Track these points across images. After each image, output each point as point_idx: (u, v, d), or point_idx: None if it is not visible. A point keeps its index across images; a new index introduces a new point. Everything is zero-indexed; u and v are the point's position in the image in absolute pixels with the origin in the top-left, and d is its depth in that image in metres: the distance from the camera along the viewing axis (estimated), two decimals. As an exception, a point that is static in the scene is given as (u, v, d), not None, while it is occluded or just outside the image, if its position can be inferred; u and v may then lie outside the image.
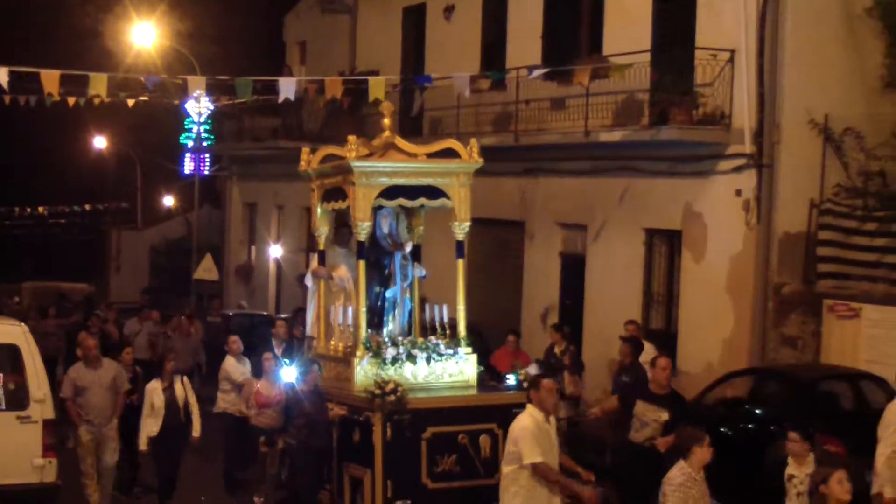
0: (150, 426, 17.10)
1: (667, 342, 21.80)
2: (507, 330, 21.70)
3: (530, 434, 12.54)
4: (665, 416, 14.89)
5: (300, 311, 24.11)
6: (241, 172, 40.59)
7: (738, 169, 21.36)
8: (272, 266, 38.11)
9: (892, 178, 20.85)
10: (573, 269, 25.32)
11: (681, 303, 22.71)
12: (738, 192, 21.29)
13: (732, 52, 21.25)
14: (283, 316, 26.68)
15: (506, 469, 12.85)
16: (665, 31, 23.13)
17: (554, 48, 25.80)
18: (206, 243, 41.74)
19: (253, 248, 40.06)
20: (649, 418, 14.97)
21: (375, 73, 27.15)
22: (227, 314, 31.38)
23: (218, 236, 43.23)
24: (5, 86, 20.74)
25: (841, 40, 21.36)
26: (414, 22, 31.15)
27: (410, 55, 31.06)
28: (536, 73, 23.45)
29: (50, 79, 21.01)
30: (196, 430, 17.43)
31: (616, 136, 22.98)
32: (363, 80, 25.68)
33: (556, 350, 20.89)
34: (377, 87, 23.04)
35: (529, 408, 12.92)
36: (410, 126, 28.07)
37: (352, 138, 15.95)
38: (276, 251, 37.50)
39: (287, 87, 23.14)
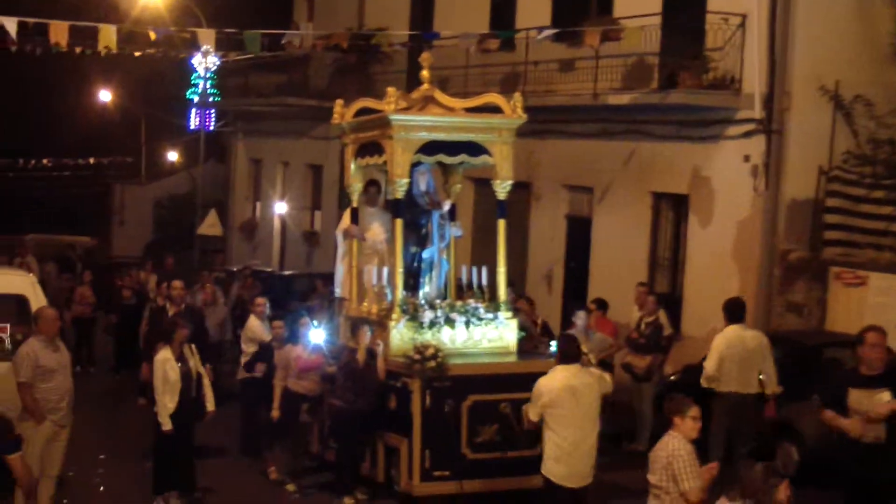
0: (168, 402, 14.67)
1: (672, 306, 21.78)
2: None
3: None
4: (887, 397, 11.99)
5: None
6: (246, 128, 40.45)
7: (746, 134, 21.27)
8: (277, 223, 38.06)
9: (900, 146, 20.82)
10: (579, 232, 25.28)
11: (686, 267, 22.70)
12: (747, 158, 21.22)
13: (744, 16, 21.10)
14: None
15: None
16: (676, -6, 23.01)
17: (563, 9, 25.64)
18: (210, 199, 41.72)
19: (258, 204, 40.00)
20: (868, 406, 12.05)
21: (384, 30, 26.98)
22: (231, 270, 31.24)
23: (222, 192, 43.14)
24: (14, 36, 20.57)
25: (852, 7, 21.25)
26: (423, -20, 31.00)
27: (419, 13, 30.88)
28: (546, 33, 23.33)
29: (58, 30, 20.91)
30: (211, 404, 15.23)
31: (624, 98, 22.85)
32: (370, 35, 25.60)
33: (644, 321, 19.33)
34: (382, 40, 23.28)
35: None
36: (417, 84, 27.92)
37: (391, 90, 15.58)
38: (280, 208, 37.43)
39: (295, 38, 23.22)
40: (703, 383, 15.88)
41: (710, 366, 15.88)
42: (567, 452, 12.37)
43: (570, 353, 12.72)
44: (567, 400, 12.34)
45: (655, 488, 10.29)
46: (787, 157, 20.95)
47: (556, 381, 12.46)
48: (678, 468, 10.12)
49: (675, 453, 10.18)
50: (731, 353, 15.76)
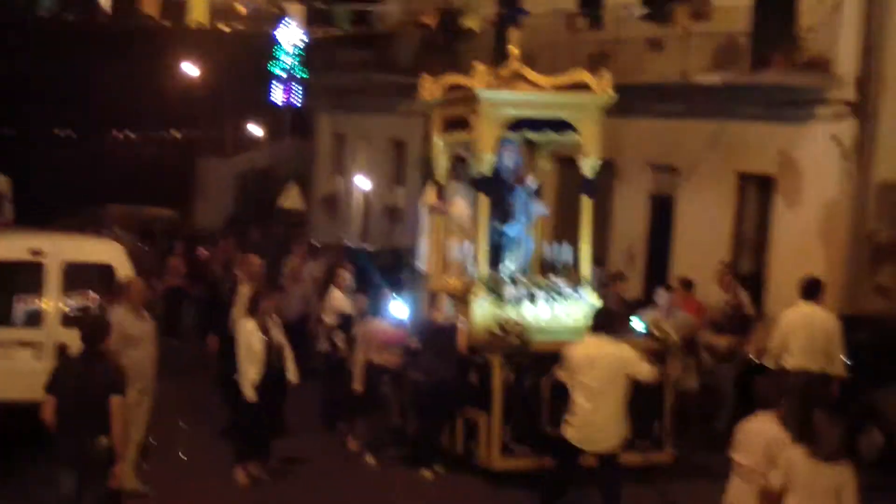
0: (251, 373, 14.59)
1: (756, 287, 21.59)
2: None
3: None
4: None
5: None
6: (330, 103, 40.53)
7: (837, 116, 21.00)
8: (359, 197, 38.11)
9: None
10: (662, 211, 25.12)
11: (771, 248, 22.47)
12: (837, 140, 20.94)
13: (840, -4, 20.84)
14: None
15: None
16: (770, -26, 22.73)
17: (653, -13, 25.48)
18: (292, 173, 41.86)
19: (340, 179, 40.09)
20: None
21: (472, 8, 26.94)
22: (316, 245, 31.22)
23: (304, 166, 43.28)
24: (108, 10, 20.73)
25: (952, -10, 20.92)
26: (511, -43, 30.85)
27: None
28: (635, 12, 23.11)
29: (150, 3, 21.07)
30: (293, 376, 15.13)
31: (714, 79, 22.62)
32: (458, 12, 25.56)
33: (725, 302, 19.11)
34: (471, 20, 23.25)
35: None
36: (503, 61, 27.85)
37: (480, 66, 15.62)
38: (363, 183, 37.49)
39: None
40: (767, 361, 15.86)
41: (772, 340, 15.88)
42: (583, 418, 12.85)
43: (600, 324, 13.26)
44: (586, 368, 12.84)
45: (748, 470, 10.10)
46: (878, 140, 20.72)
47: (580, 349, 13.06)
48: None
49: (777, 440, 10.01)
50: (795, 329, 15.63)
